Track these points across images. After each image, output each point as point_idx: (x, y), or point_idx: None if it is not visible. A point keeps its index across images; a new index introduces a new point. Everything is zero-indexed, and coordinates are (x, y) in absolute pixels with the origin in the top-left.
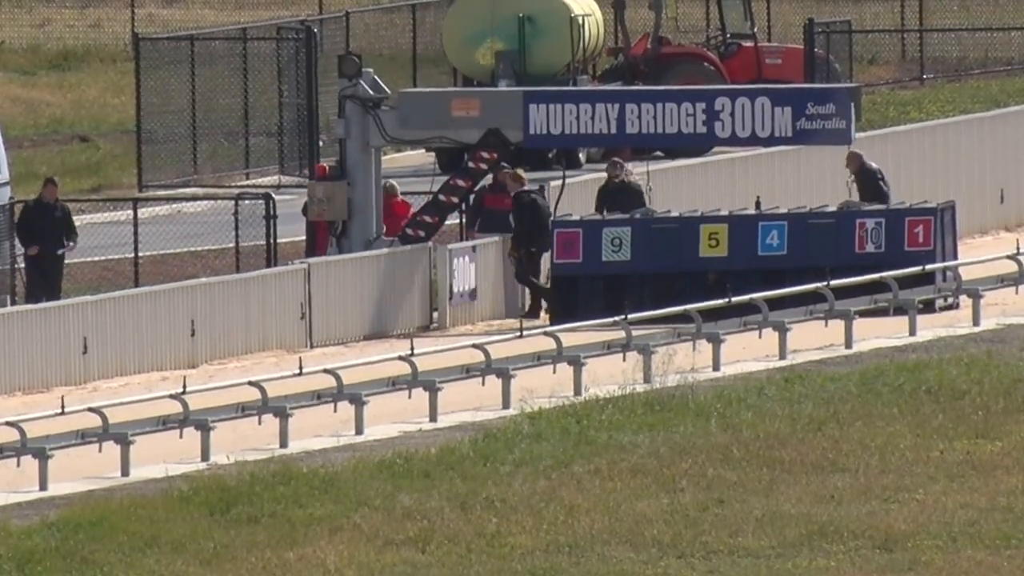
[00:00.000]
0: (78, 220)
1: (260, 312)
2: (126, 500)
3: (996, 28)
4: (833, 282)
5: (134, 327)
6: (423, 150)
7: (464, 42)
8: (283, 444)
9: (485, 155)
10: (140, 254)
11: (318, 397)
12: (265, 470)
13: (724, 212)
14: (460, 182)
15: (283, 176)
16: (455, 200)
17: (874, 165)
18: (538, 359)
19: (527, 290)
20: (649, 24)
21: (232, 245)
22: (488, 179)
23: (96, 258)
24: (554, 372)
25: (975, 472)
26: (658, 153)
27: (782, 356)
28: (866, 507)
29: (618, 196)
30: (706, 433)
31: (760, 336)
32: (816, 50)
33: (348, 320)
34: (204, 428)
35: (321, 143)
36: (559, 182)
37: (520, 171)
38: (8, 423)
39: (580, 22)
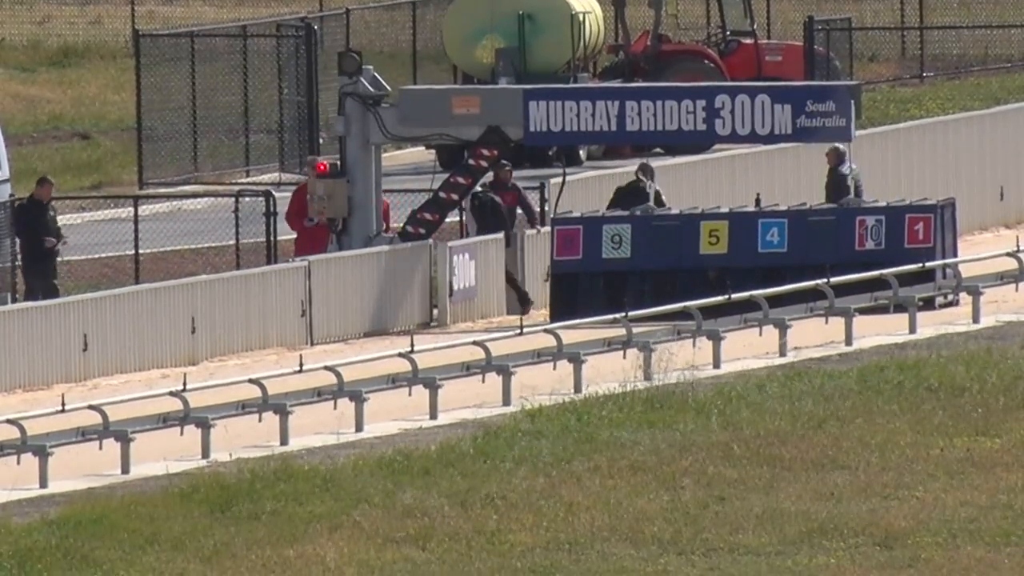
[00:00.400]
0: (78, 217)
1: (260, 309)
2: (126, 497)
3: (996, 25)
4: (833, 279)
5: (134, 324)
6: (423, 147)
7: (464, 39)
8: (283, 441)
9: (485, 152)
10: (140, 251)
11: (318, 394)
12: (265, 467)
13: (724, 209)
14: (460, 179)
15: (283, 173)
16: (455, 197)
17: (854, 167)
18: (538, 356)
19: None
20: (649, 21)
21: (232, 242)
22: (488, 177)
23: (96, 255)
24: (554, 369)
25: (975, 469)
26: (658, 150)
27: (782, 353)
28: (866, 504)
29: (631, 199)
30: (706, 430)
31: (760, 333)
32: (816, 47)
33: (348, 317)
34: (204, 425)
35: (321, 140)
36: (559, 179)
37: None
38: (9, 421)
39: (580, 19)
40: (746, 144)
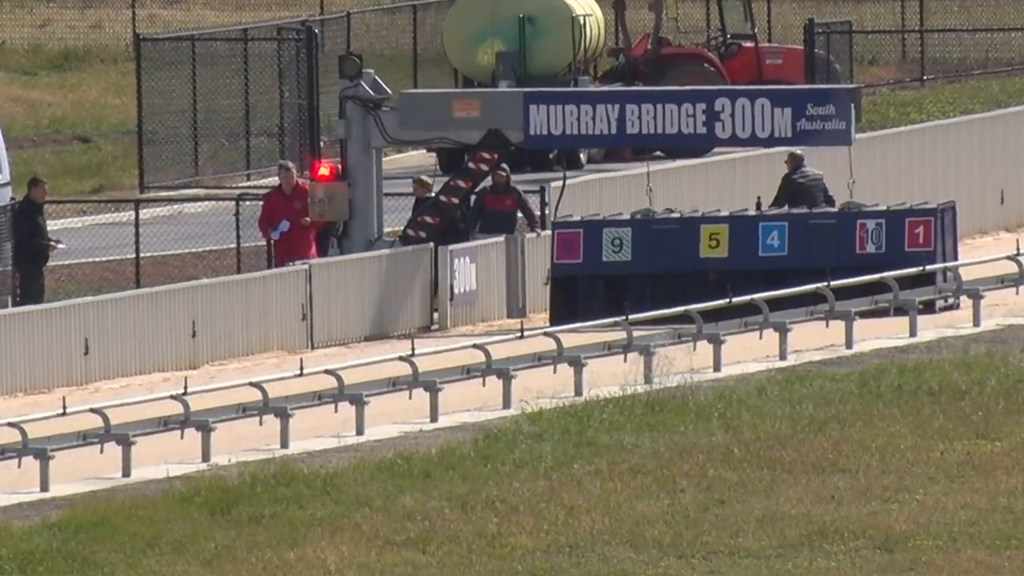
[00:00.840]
0: (79, 221)
1: (261, 313)
2: (127, 501)
3: (996, 29)
4: (833, 283)
5: (135, 328)
6: (424, 151)
7: (465, 43)
8: (284, 445)
9: (486, 156)
10: (141, 255)
11: (319, 398)
12: (266, 471)
13: (724, 213)
14: (460, 183)
15: None
16: (455, 201)
17: (812, 172)
18: (539, 360)
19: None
20: (650, 25)
21: (233, 246)
22: (488, 180)
23: (97, 259)
24: (555, 372)
25: (975, 473)
26: (658, 153)
27: (783, 357)
28: (866, 507)
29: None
30: (707, 434)
31: (761, 337)
32: (816, 51)
33: (349, 321)
34: (205, 429)
35: (322, 144)
36: (560, 183)
37: (425, 177)
38: (9, 424)
39: (581, 23)
40: (746, 147)
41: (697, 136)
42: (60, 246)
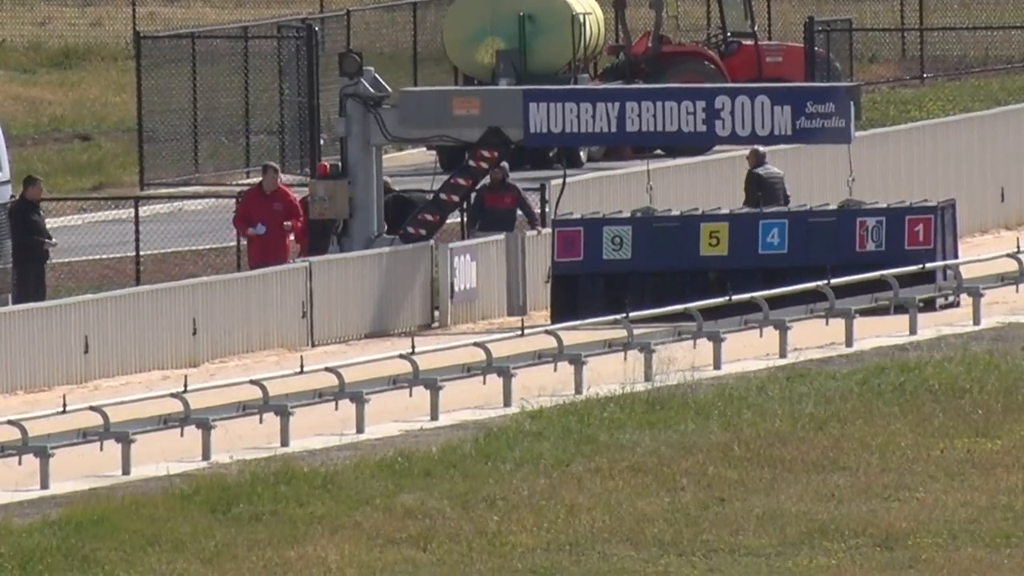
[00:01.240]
0: (79, 219)
1: (261, 310)
2: (127, 499)
3: (996, 26)
4: (834, 280)
5: (135, 326)
6: (424, 148)
7: (465, 41)
8: (284, 443)
9: (486, 154)
10: (141, 253)
11: (319, 396)
12: (266, 469)
13: (724, 211)
14: (461, 181)
15: (284, 174)
16: (456, 199)
17: (773, 170)
18: (539, 358)
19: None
20: (650, 23)
21: (233, 243)
22: (488, 178)
23: (97, 257)
24: (555, 371)
25: (975, 470)
26: (658, 152)
27: (783, 355)
28: (867, 505)
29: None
30: (707, 432)
31: (761, 335)
32: (816, 49)
33: (349, 319)
34: (205, 427)
35: (322, 142)
36: (560, 181)
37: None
38: (10, 422)
39: (581, 20)
40: (746, 145)
41: (697, 134)
42: (52, 242)
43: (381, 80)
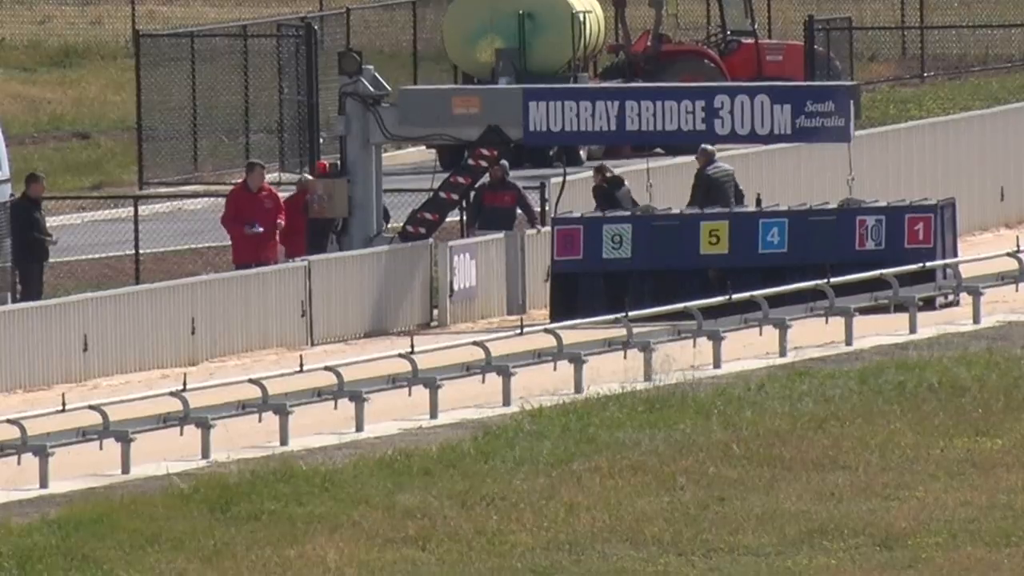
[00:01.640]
0: (79, 218)
1: (261, 309)
2: (127, 498)
3: (996, 25)
4: (833, 279)
5: (135, 325)
6: (424, 147)
7: (464, 39)
8: (283, 442)
9: (485, 152)
10: (141, 251)
11: (318, 395)
12: (265, 468)
13: (724, 209)
14: (460, 179)
15: (283, 173)
16: (455, 197)
17: (724, 167)
18: (539, 356)
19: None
20: (650, 21)
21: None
22: (488, 177)
23: (97, 255)
24: (555, 370)
25: (975, 470)
26: (658, 150)
27: (782, 353)
28: (866, 505)
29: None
30: (707, 431)
31: (761, 333)
32: (816, 47)
33: (349, 317)
34: (204, 426)
35: (321, 140)
36: (560, 179)
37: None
38: (9, 421)
39: (581, 19)
40: (746, 144)
41: (696, 133)
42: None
43: (380, 79)
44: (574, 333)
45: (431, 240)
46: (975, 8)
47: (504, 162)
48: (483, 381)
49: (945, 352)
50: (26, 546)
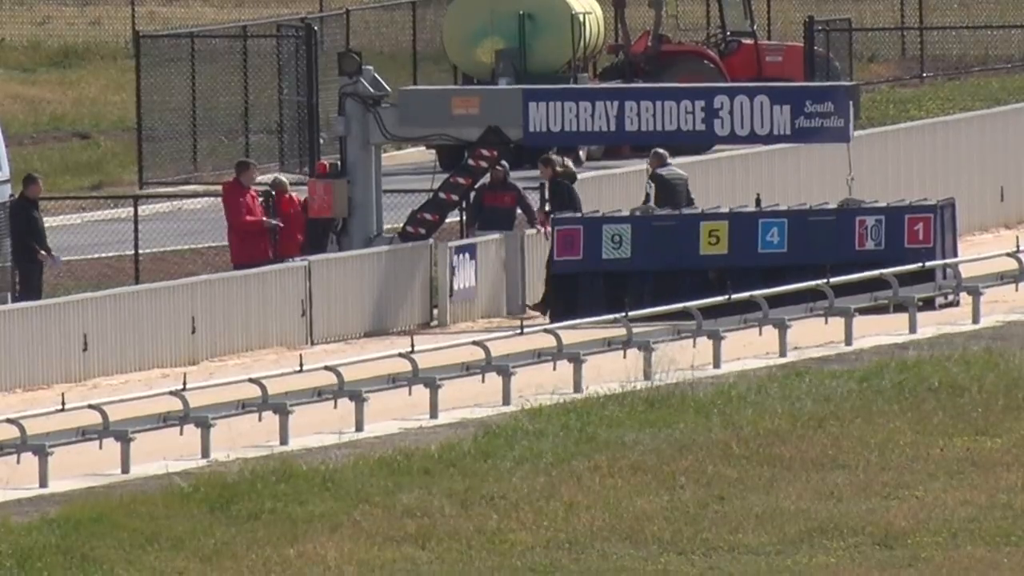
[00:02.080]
0: (79, 218)
1: (261, 309)
2: (126, 497)
3: (996, 26)
4: (833, 279)
5: (135, 324)
6: (423, 148)
7: (464, 40)
8: (283, 441)
9: (485, 153)
10: (141, 251)
11: (318, 394)
12: (265, 467)
13: (724, 209)
14: (460, 180)
15: (283, 173)
16: (455, 198)
17: (677, 171)
18: (539, 356)
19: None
20: (649, 22)
21: None
22: (487, 177)
23: (97, 255)
24: (554, 369)
25: (975, 469)
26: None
27: (782, 353)
28: (866, 504)
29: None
30: (706, 430)
31: (760, 333)
32: (816, 48)
33: (349, 317)
34: (204, 425)
35: (321, 141)
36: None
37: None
38: (8, 420)
39: (580, 20)
40: (745, 145)
41: (696, 133)
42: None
43: (380, 79)
44: (574, 333)
45: (431, 240)
46: (975, 9)
47: (504, 163)
48: (483, 381)
49: (945, 352)
50: (26, 545)
